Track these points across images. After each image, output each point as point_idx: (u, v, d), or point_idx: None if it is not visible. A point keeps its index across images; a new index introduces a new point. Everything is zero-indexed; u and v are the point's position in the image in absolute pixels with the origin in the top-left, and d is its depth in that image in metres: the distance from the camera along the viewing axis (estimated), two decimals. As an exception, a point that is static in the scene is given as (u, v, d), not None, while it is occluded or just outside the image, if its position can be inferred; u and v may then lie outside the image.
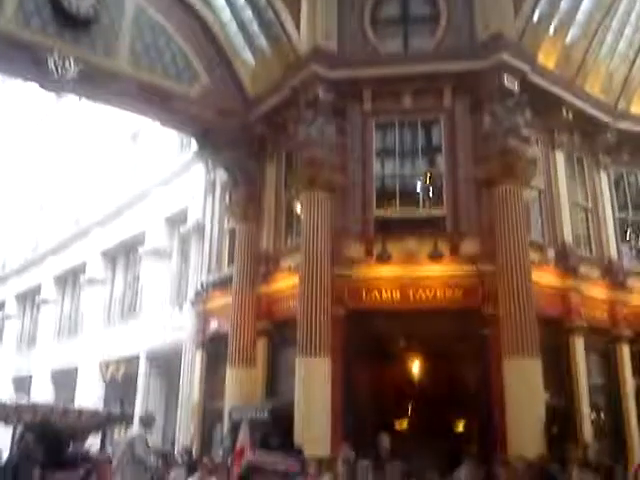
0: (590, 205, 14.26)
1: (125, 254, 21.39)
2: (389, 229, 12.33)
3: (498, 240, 11.59)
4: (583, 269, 13.16)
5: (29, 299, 26.58)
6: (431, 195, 12.69)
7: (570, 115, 13.56)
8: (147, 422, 10.66)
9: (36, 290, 25.23)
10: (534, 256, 12.11)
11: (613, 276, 13.73)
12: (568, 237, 13.14)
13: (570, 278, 12.75)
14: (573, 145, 14.14)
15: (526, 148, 12.13)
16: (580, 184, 14.29)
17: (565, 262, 12.81)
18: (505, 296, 11.23)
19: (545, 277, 12.35)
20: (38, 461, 8.65)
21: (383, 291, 12.03)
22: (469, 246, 11.96)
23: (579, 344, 12.43)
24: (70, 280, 24.12)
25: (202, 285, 15.65)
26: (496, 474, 7.96)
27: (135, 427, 10.46)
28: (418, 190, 12.80)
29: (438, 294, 11.79)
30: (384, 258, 11.87)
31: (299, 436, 10.63)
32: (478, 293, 11.66)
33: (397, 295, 11.92)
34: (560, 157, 13.67)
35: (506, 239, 11.52)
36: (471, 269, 11.74)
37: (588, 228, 14.11)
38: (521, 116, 12.10)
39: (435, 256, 11.70)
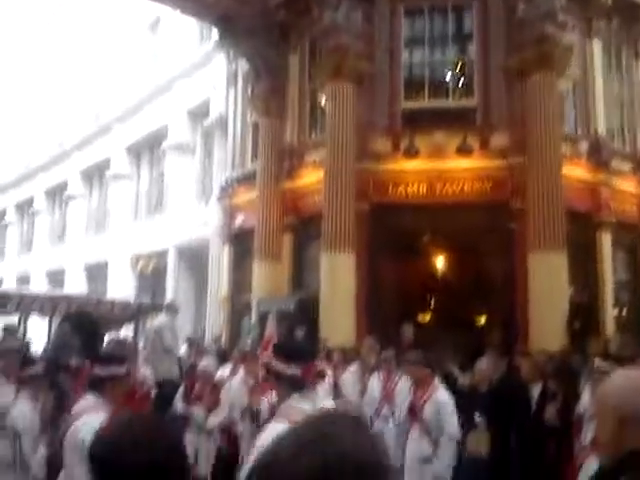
0: (626, 97, 13.67)
1: (149, 149, 21.32)
2: (417, 122, 12.03)
3: (529, 132, 11.27)
4: (615, 163, 12.81)
5: (57, 195, 26.92)
6: (461, 85, 12.28)
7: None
8: (172, 309, 10.95)
9: (63, 186, 25.49)
10: (566, 149, 11.82)
11: (645, 170, 13.38)
12: (602, 130, 12.72)
13: (601, 172, 12.45)
14: (611, 33, 13.37)
15: (562, 35, 11.49)
16: (617, 75, 13.65)
17: (597, 155, 12.47)
18: (534, 190, 11.05)
19: (576, 171, 12.09)
20: (75, 350, 8.95)
21: (409, 185, 11.91)
22: (499, 139, 11.68)
23: (606, 240, 12.31)
24: (96, 176, 24.26)
25: (226, 181, 15.63)
26: (517, 366, 8.10)
27: (162, 316, 10.74)
28: (448, 80, 12.37)
29: (466, 188, 11.66)
30: (411, 152, 11.63)
31: (324, 327, 10.90)
32: (507, 186, 11.51)
33: (423, 189, 11.81)
34: (597, 46, 12.99)
35: (538, 131, 11.18)
36: (500, 162, 11.54)
37: (622, 121, 13.62)
38: (558, 0, 11.38)
39: (464, 150, 11.43)
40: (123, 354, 5.85)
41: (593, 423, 4.41)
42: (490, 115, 11.80)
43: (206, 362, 7.84)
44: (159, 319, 10.68)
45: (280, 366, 3.07)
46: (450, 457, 5.88)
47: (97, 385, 3.79)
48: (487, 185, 11.64)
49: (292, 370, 2.99)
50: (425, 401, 5.99)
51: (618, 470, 1.86)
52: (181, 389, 7.57)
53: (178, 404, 7.34)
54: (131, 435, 1.35)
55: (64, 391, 8.21)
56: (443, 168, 11.76)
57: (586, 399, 5.64)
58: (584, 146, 12.43)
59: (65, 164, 25.39)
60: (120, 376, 3.87)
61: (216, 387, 7.30)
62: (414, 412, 6.01)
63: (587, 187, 12.35)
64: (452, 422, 5.91)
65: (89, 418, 3.49)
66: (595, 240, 12.27)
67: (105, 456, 1.34)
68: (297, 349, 3.38)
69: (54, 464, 5.26)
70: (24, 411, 5.07)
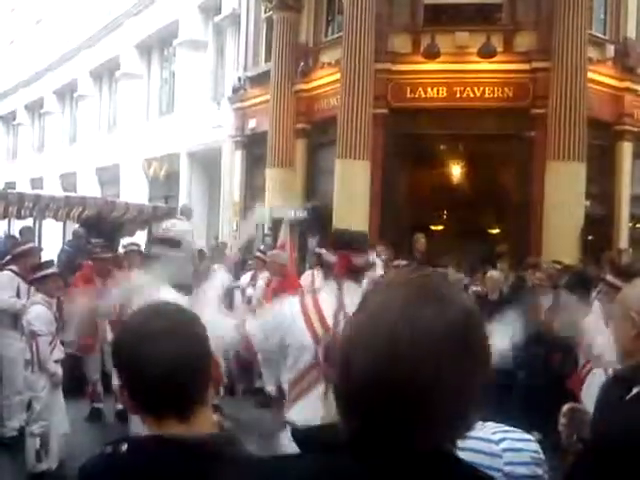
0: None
1: (159, 47, 20.71)
2: (439, 20, 11.58)
3: (555, 34, 10.81)
4: (642, 69, 12.29)
5: (67, 95, 26.48)
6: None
7: None
8: (187, 212, 10.96)
9: (73, 86, 25.01)
10: (592, 53, 11.35)
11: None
12: (631, 33, 12.16)
13: (627, 78, 12.01)
14: None
15: None
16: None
17: (624, 60, 11.97)
18: (557, 95, 10.70)
19: (600, 76, 11.65)
20: (90, 254, 9.05)
21: (428, 89, 11.57)
22: (524, 40, 11.24)
23: (627, 150, 12.02)
24: (106, 75, 23.73)
25: (239, 80, 15.23)
26: (528, 277, 8.10)
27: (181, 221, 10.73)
28: (472, -26, 11.68)
29: (487, 92, 11.34)
30: (432, 52, 11.17)
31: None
32: (529, 92, 11.17)
33: (443, 93, 11.47)
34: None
35: (564, 33, 10.70)
36: (523, 66, 11.14)
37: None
38: None
39: (487, 51, 10.98)
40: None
41: (599, 336, 4.44)
42: (516, 13, 11.28)
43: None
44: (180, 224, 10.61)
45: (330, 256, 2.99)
46: None
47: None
48: (509, 90, 11.27)
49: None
50: None
51: (635, 376, 1.84)
52: None
53: None
54: (157, 324, 1.33)
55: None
56: (464, 70, 11.36)
57: (595, 310, 5.64)
58: (611, 50, 11.89)
59: (74, 62, 24.80)
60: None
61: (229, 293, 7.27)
62: None
63: (611, 94, 11.94)
64: None
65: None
66: (615, 150, 11.98)
67: (130, 346, 1.33)
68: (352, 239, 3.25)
69: (68, 364, 5.45)
70: (40, 313, 5.15)
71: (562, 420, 2.24)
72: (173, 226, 4.86)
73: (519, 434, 1.59)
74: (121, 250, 9.21)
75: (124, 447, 1.25)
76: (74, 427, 5.48)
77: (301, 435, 0.96)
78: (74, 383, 5.79)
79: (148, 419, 1.32)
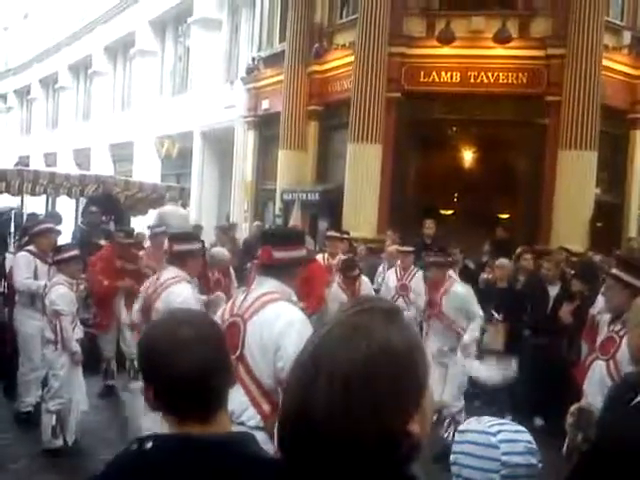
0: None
1: (174, 25, 20.64)
2: (454, 4, 11.52)
3: (572, 20, 10.71)
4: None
5: (82, 71, 26.49)
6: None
7: None
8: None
9: (88, 62, 25.01)
10: (608, 40, 11.23)
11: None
12: (648, 20, 11.99)
13: (643, 66, 11.87)
14: None
15: None
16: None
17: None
18: (571, 82, 10.66)
19: (616, 63, 11.54)
20: (105, 232, 9.18)
21: (442, 73, 11.52)
22: (540, 26, 11.15)
23: (639, 138, 11.94)
24: (120, 51, 23.71)
25: (253, 60, 15.20)
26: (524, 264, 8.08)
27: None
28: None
29: (501, 78, 11.28)
30: (447, 37, 11.10)
31: (347, 219, 10.96)
32: (543, 78, 11.11)
33: (457, 77, 11.42)
34: None
35: (581, 19, 10.62)
36: (539, 52, 11.06)
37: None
38: None
39: (502, 36, 10.90)
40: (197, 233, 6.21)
41: (604, 326, 4.50)
42: (532, -1, 11.17)
43: (218, 249, 7.69)
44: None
45: None
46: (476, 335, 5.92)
47: (177, 259, 4.31)
48: (523, 76, 11.20)
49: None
50: (443, 295, 6.05)
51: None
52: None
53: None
54: (187, 332, 1.38)
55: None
56: (479, 55, 11.30)
57: (600, 302, 5.68)
58: (627, 37, 11.77)
59: (89, 38, 24.77)
60: (196, 250, 4.43)
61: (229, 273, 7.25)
62: (434, 305, 6.10)
63: (625, 82, 11.84)
64: (476, 307, 5.93)
65: (177, 288, 4.11)
66: (628, 138, 11.92)
67: (161, 353, 1.37)
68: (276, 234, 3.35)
69: (82, 342, 5.58)
70: (63, 293, 5.25)
71: (569, 420, 2.30)
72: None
73: (513, 426, 1.72)
74: (142, 230, 9.25)
75: (149, 444, 1.31)
76: (88, 404, 5.63)
77: None
78: (89, 361, 5.91)
79: (170, 418, 1.39)
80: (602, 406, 2.19)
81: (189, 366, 1.35)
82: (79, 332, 5.38)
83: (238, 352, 2.65)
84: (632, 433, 1.77)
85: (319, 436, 0.92)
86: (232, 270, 7.30)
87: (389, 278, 7.68)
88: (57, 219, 9.48)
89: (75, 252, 5.60)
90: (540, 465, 1.75)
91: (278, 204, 12.80)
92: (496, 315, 7.02)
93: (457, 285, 6.13)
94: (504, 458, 1.62)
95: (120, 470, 1.34)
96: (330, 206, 11.50)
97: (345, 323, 0.99)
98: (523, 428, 1.74)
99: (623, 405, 1.91)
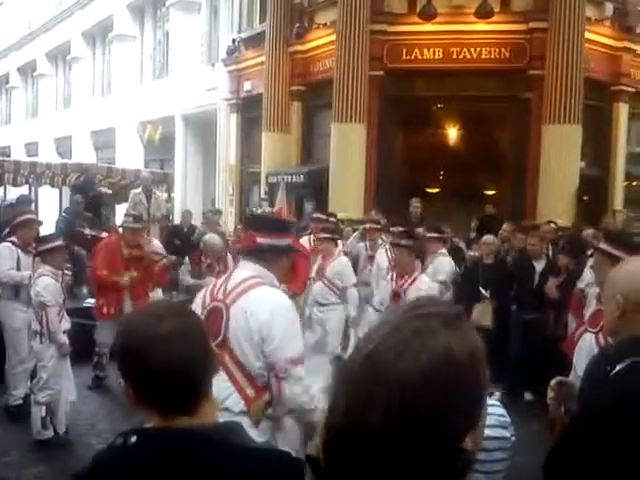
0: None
1: (152, 8, 20.33)
2: (435, -20, 11.31)
3: (553, -7, 10.61)
4: (640, 28, 12.16)
5: (60, 58, 26.08)
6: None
7: None
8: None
9: (66, 48, 24.62)
10: (590, 12, 11.21)
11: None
12: (631, -10, 11.95)
13: (625, 37, 11.91)
14: None
15: None
16: None
17: (622, 20, 11.85)
18: (554, 55, 10.65)
19: (598, 35, 11.53)
20: (89, 221, 9.09)
21: (425, 50, 11.46)
22: (521, 0, 11.04)
23: (623, 110, 12.01)
24: (99, 36, 23.35)
25: (234, 42, 15.01)
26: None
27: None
28: None
29: (484, 53, 11.25)
30: (428, 13, 11.03)
31: (333, 200, 10.93)
32: (526, 53, 11.09)
33: (440, 54, 11.37)
34: None
35: (562, -10, 10.53)
36: (521, 27, 11.02)
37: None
38: None
39: (484, 11, 10.84)
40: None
41: (593, 299, 4.52)
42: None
43: (210, 236, 7.64)
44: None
45: None
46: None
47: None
48: (506, 51, 11.16)
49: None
50: (408, 287, 5.89)
51: (619, 354, 1.93)
52: (185, 264, 7.44)
53: (185, 277, 7.29)
54: (166, 325, 1.34)
55: (82, 262, 8.47)
56: (460, 31, 11.23)
57: (587, 276, 5.70)
58: (610, 9, 11.75)
59: (66, 24, 24.36)
60: None
61: (224, 259, 7.22)
62: (397, 297, 6.01)
63: (608, 53, 11.85)
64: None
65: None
66: (612, 111, 11.94)
67: (139, 349, 1.33)
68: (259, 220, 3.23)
69: (74, 332, 5.54)
70: (48, 284, 5.19)
71: (550, 393, 2.33)
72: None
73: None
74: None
75: (133, 439, 1.30)
76: (77, 394, 5.61)
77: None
78: (78, 351, 5.85)
79: (154, 412, 1.36)
80: (582, 378, 2.21)
81: (169, 361, 1.31)
82: (66, 323, 5.33)
83: (221, 337, 2.61)
84: (612, 401, 1.79)
85: (373, 447, 0.89)
86: (229, 255, 7.20)
87: (381, 257, 7.61)
88: (28, 202, 9.43)
89: (59, 242, 5.52)
90: (513, 438, 1.78)
91: (263, 187, 12.74)
92: (483, 291, 7.04)
93: (421, 280, 5.93)
94: None
95: (105, 465, 1.33)
96: (316, 187, 11.45)
97: (404, 329, 0.94)
98: (496, 402, 1.76)
99: (602, 376, 1.93)
